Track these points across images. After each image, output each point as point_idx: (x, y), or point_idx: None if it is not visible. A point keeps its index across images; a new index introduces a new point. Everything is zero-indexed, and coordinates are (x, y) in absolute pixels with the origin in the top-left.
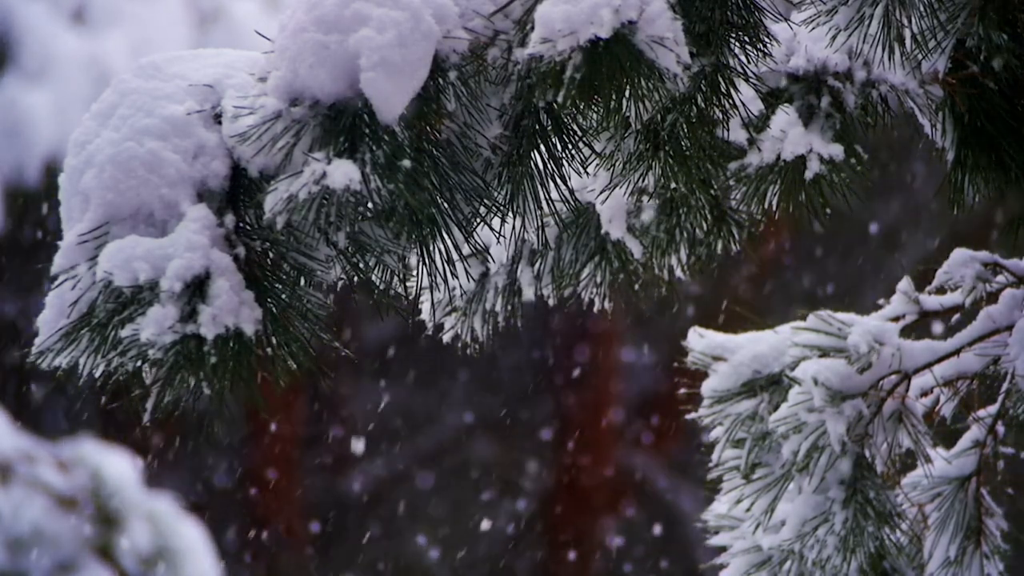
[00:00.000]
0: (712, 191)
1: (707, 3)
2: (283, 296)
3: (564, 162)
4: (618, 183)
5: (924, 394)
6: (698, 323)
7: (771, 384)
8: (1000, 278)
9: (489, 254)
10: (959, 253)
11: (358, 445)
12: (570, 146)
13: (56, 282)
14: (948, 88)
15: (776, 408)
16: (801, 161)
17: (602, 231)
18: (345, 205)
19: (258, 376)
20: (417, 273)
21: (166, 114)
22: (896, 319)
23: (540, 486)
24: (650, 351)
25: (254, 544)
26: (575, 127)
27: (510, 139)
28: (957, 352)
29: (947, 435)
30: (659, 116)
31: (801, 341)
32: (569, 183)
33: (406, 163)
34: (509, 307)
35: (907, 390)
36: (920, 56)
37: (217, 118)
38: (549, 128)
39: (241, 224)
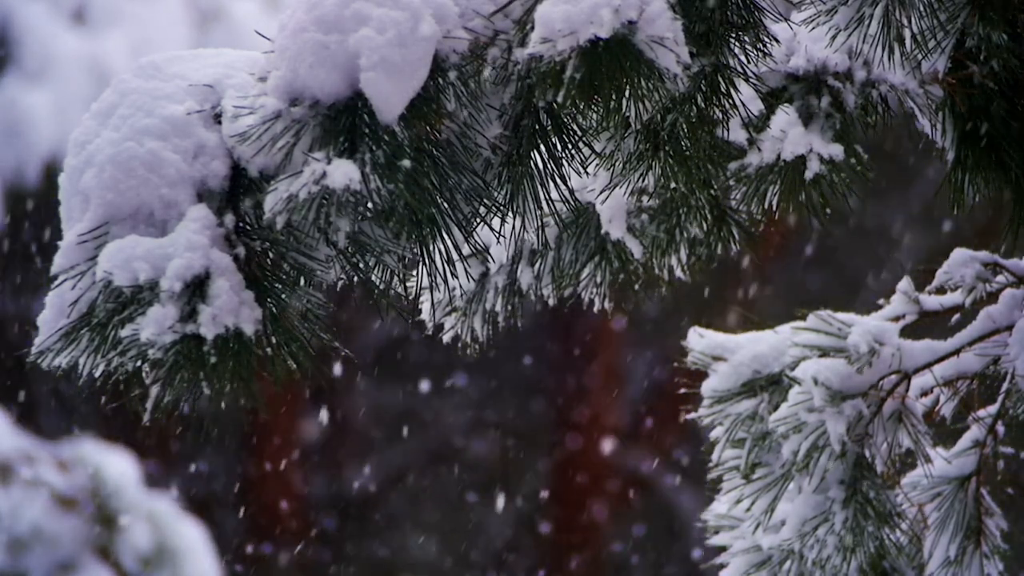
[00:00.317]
0: (712, 191)
1: (707, 3)
2: (283, 296)
3: (564, 162)
4: (618, 183)
5: (924, 394)
6: (698, 323)
7: (771, 384)
8: (1000, 278)
9: (489, 254)
10: (959, 253)
11: (358, 445)
12: (570, 146)
13: (56, 282)
14: (948, 88)
15: (776, 408)
16: (801, 161)
17: (602, 231)
18: (345, 205)
19: (258, 376)
20: (417, 273)
21: (166, 114)
22: (896, 319)
23: (540, 486)
24: (650, 351)
25: (254, 544)
26: (575, 127)
27: (510, 139)
28: (957, 352)
29: (947, 435)
30: (659, 116)
31: (801, 341)
32: (569, 183)
33: (406, 163)
34: (509, 307)
35: (907, 390)
36: (920, 56)
37: (217, 118)
38: (549, 128)
39: (241, 224)
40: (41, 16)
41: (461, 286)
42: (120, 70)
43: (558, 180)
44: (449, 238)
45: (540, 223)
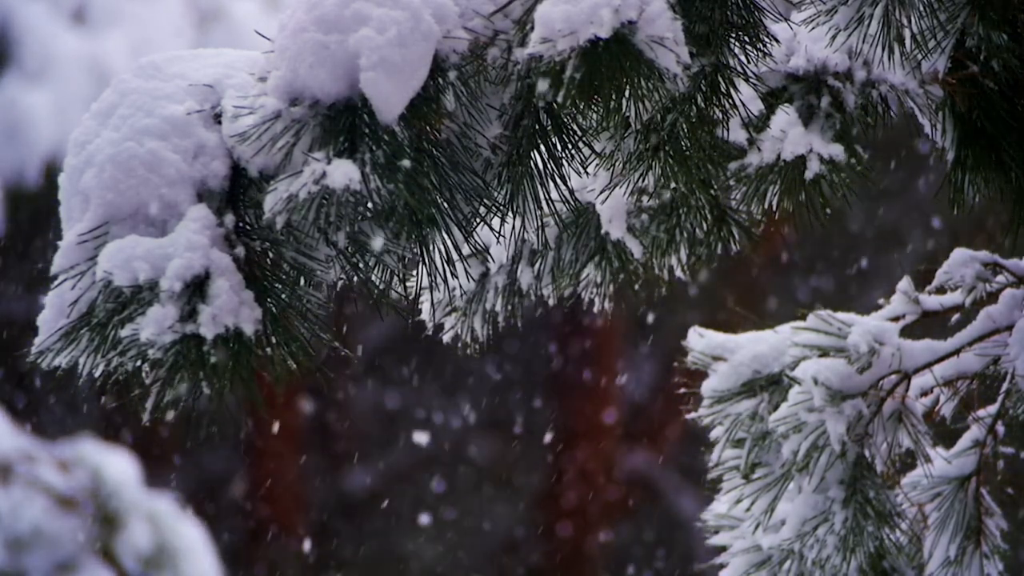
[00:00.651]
0: (712, 191)
1: (707, 3)
2: (283, 296)
3: (564, 162)
4: (618, 183)
5: (924, 394)
6: (698, 323)
7: (771, 384)
8: (1000, 278)
9: (489, 254)
10: (959, 253)
11: (358, 445)
12: (570, 146)
13: (56, 282)
14: (948, 88)
15: (776, 408)
16: (801, 161)
17: (602, 231)
18: (345, 205)
19: (258, 376)
20: (417, 273)
21: (166, 114)
22: (896, 319)
23: (539, 486)
24: (650, 350)
25: (254, 544)
26: (575, 127)
27: (510, 139)
28: (957, 352)
29: (947, 435)
30: (659, 116)
31: (801, 341)
32: (569, 183)
33: (406, 163)
34: (509, 307)
35: (907, 390)
36: (920, 56)
37: (217, 118)
38: (549, 128)
39: (241, 224)
40: (41, 16)
41: (461, 286)
42: (120, 70)
43: (558, 180)
44: (449, 238)
45: (540, 223)
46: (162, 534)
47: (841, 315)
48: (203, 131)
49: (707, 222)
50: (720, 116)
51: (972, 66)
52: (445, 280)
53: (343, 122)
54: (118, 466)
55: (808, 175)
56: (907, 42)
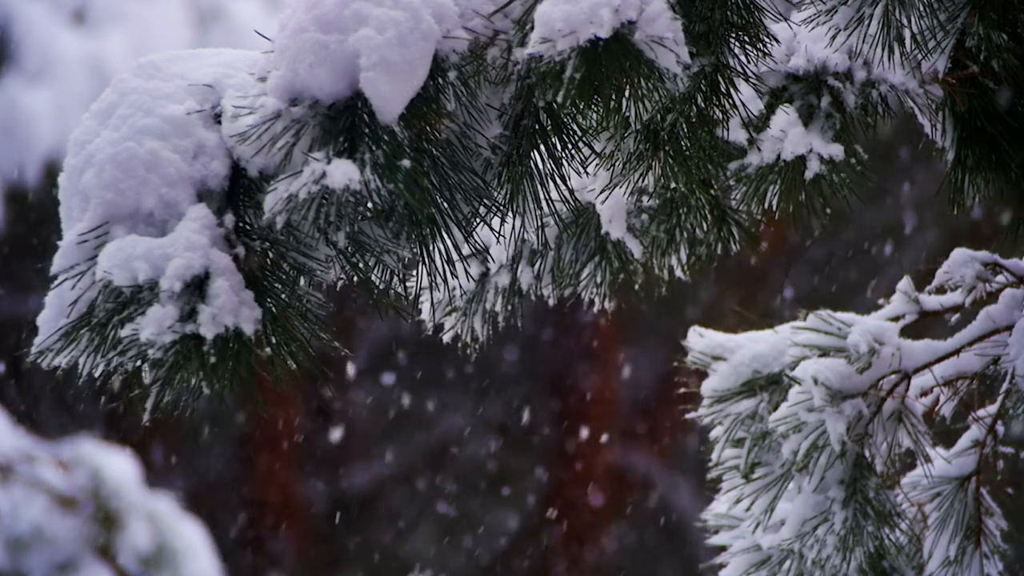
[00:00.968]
0: (712, 191)
1: (707, 3)
2: (283, 296)
3: (564, 162)
4: (618, 183)
5: (924, 394)
6: (698, 323)
7: (771, 384)
8: (1000, 278)
9: (489, 254)
10: (959, 253)
11: (358, 445)
12: (570, 146)
13: (56, 282)
14: (948, 88)
15: (776, 408)
16: (801, 161)
17: (602, 231)
18: (345, 205)
19: (258, 376)
20: (417, 273)
21: (166, 114)
22: (896, 319)
23: (539, 486)
24: (650, 350)
25: (254, 544)
26: (575, 127)
27: (510, 139)
28: (957, 352)
29: (947, 435)
30: (659, 116)
31: (801, 341)
32: (569, 183)
33: (406, 163)
34: (509, 307)
35: (907, 390)
36: (920, 56)
37: (217, 118)
38: (549, 128)
39: (241, 224)
40: (41, 16)
41: (461, 286)
42: (120, 70)
43: (558, 180)
44: (449, 238)
45: (540, 223)
46: (162, 534)
47: (841, 315)
48: (203, 131)
49: (707, 222)
50: (720, 116)
51: (972, 66)
52: (445, 280)
53: (343, 122)
54: (118, 466)
55: (808, 175)
56: (907, 42)
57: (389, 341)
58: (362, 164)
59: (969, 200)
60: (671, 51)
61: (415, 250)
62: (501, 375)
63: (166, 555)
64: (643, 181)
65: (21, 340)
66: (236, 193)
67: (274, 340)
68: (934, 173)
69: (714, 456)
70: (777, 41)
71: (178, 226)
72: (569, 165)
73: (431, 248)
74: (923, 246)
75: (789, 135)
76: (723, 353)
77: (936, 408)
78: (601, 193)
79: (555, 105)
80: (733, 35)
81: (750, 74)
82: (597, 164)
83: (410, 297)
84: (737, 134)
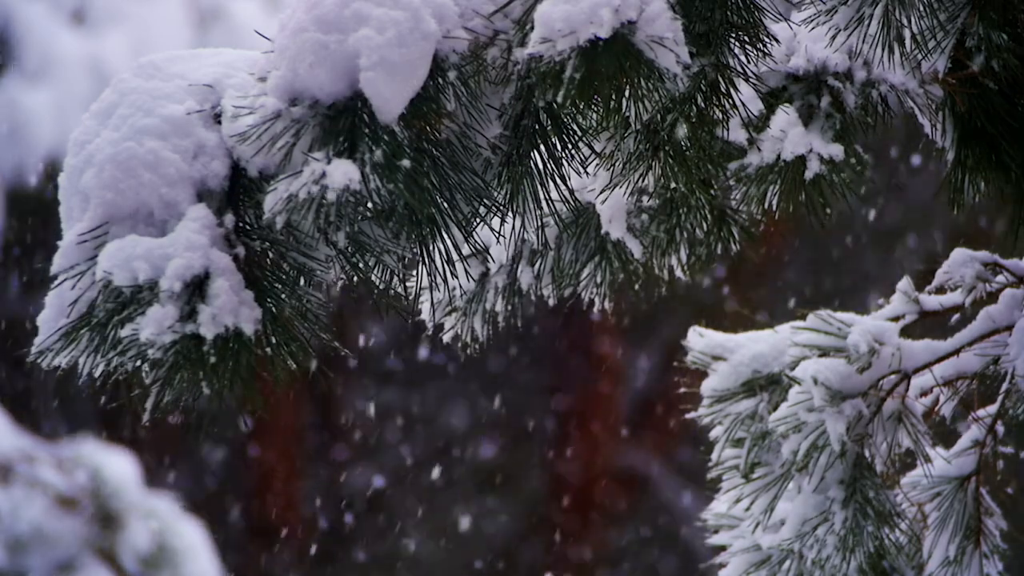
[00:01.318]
0: (712, 191)
1: (707, 3)
2: (283, 296)
3: (564, 162)
4: (618, 183)
5: (924, 394)
6: (698, 323)
7: (771, 384)
8: (1000, 278)
9: (489, 254)
10: (959, 253)
11: (358, 445)
12: (570, 146)
13: (56, 282)
14: (948, 88)
15: (776, 408)
16: (801, 161)
17: (602, 231)
18: (345, 205)
19: (258, 376)
20: (417, 273)
21: (166, 114)
22: (896, 319)
23: (539, 486)
24: (650, 350)
25: (254, 544)
26: (575, 127)
27: (510, 139)
28: (957, 352)
29: (947, 435)
30: (659, 116)
31: (801, 341)
32: (569, 183)
33: (406, 163)
34: (509, 307)
35: (907, 390)
36: (920, 56)
37: (217, 118)
38: (549, 128)
39: (241, 224)
40: (41, 16)
41: (461, 286)
42: (120, 70)
43: (558, 180)
44: (449, 238)
45: (540, 223)
46: (162, 534)
47: (841, 315)
48: (203, 131)
49: (707, 222)
50: (720, 116)
51: (972, 66)
52: (445, 280)
53: (343, 122)
54: (118, 466)
55: (808, 175)
56: (907, 42)
57: (389, 341)
58: (362, 164)
59: (969, 200)
60: (671, 51)
61: (415, 250)
62: (501, 375)
63: (166, 555)
64: (643, 181)
65: (21, 340)
66: (236, 193)
67: (274, 340)
68: (934, 173)
69: (714, 456)
70: (777, 41)
71: (178, 226)
72: (569, 165)
73: (431, 248)
74: (923, 246)
75: (789, 135)
76: (723, 353)
77: (936, 408)
78: (601, 193)
79: (555, 105)
80: (733, 35)
81: (750, 74)
82: (597, 164)
83: (410, 297)
84: (737, 134)
